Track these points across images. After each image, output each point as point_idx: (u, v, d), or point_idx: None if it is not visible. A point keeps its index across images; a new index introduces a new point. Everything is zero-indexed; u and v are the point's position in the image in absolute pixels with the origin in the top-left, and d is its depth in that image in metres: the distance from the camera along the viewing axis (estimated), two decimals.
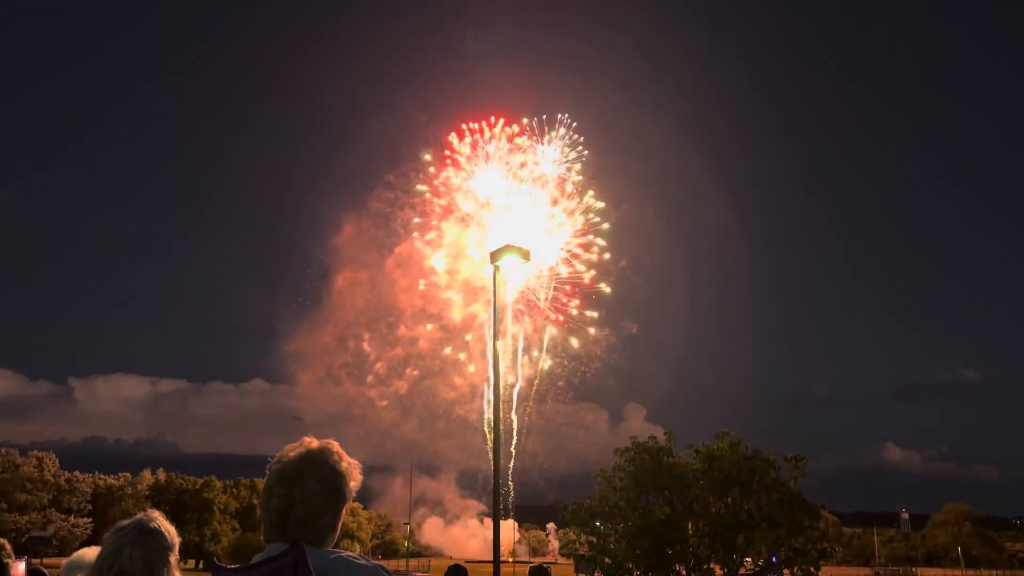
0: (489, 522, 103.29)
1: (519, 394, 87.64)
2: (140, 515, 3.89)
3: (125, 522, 3.85)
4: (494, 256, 20.36)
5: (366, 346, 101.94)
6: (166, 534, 3.85)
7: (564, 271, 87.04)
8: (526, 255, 21.08)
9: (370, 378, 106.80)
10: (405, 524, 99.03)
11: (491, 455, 19.05)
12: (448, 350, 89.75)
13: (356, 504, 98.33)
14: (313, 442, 3.20)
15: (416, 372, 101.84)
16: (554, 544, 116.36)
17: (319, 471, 3.08)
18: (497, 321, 20.82)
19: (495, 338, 20.81)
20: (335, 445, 3.20)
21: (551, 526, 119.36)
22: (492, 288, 20.84)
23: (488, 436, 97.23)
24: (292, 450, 3.19)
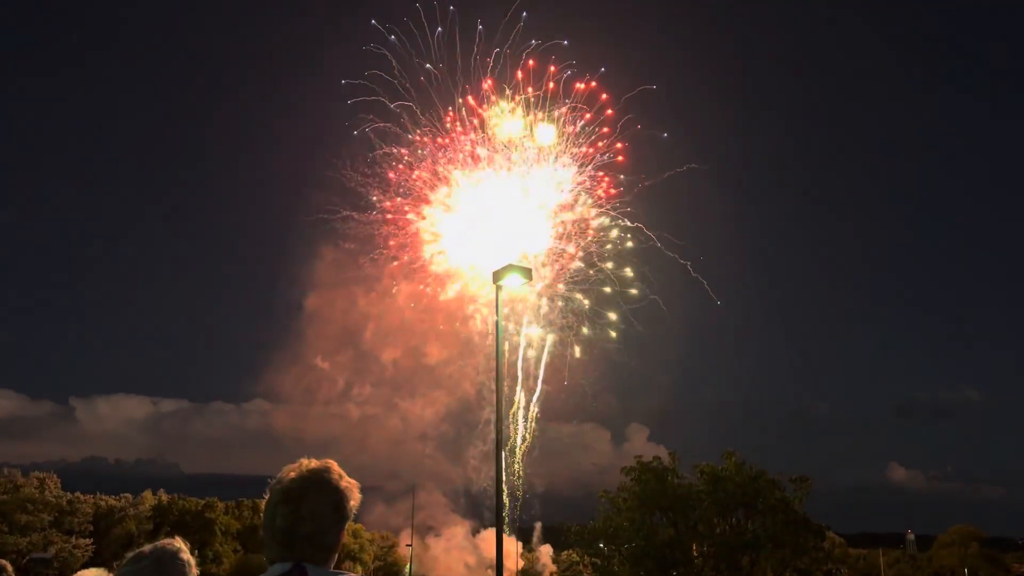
0: (477, 541, 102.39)
1: (515, 413, 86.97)
2: (162, 543, 3.72)
3: (146, 549, 3.68)
4: (496, 275, 20.43)
5: (347, 367, 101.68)
6: (185, 564, 3.69)
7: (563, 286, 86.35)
8: (528, 274, 21.17)
9: (349, 397, 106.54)
10: (407, 546, 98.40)
11: (491, 473, 19.02)
12: (434, 365, 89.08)
13: (358, 525, 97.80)
14: (312, 462, 3.23)
15: (395, 391, 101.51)
16: (545, 555, 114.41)
17: (322, 489, 3.11)
18: (501, 338, 20.81)
19: (499, 354, 20.79)
20: (334, 464, 3.23)
21: (537, 525, 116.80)
22: (495, 305, 20.87)
23: (438, 458, 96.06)
24: (292, 470, 3.21)
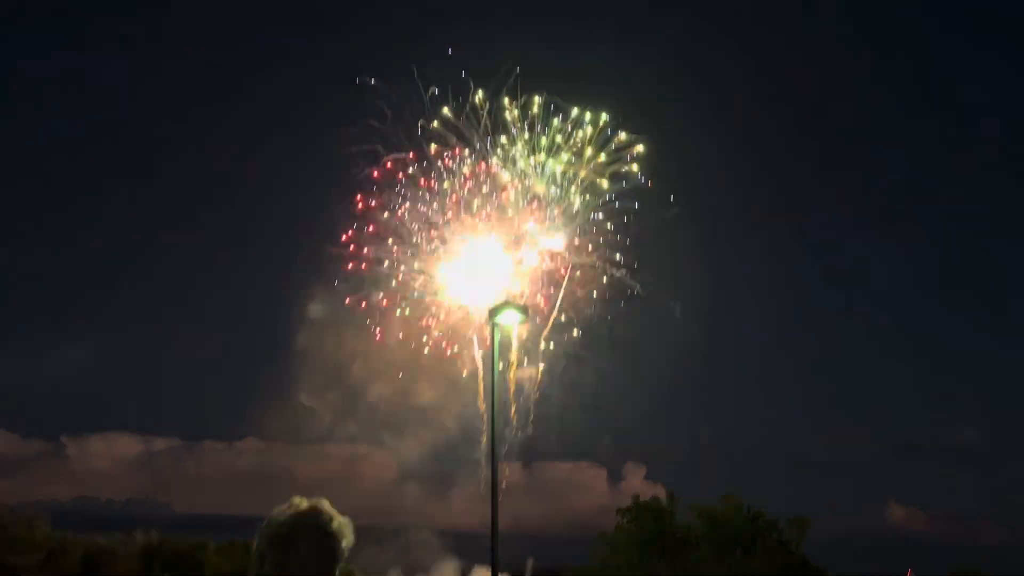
0: None
1: (508, 451, 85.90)
2: None
3: None
4: (492, 312, 20.35)
5: (336, 406, 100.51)
6: None
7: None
8: (524, 311, 21.13)
9: (339, 436, 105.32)
10: None
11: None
12: (423, 404, 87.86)
13: (353, 565, 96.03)
14: (303, 502, 3.17)
15: (384, 429, 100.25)
16: None
17: (311, 534, 3.05)
18: (496, 375, 20.69)
19: (493, 391, 20.67)
20: (326, 504, 3.17)
21: (529, 561, 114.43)
22: (484, 342, 20.79)
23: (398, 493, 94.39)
24: (282, 513, 3.14)
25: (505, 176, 67.57)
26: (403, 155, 69.77)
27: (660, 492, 35.36)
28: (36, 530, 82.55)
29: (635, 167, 65.12)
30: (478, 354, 71.80)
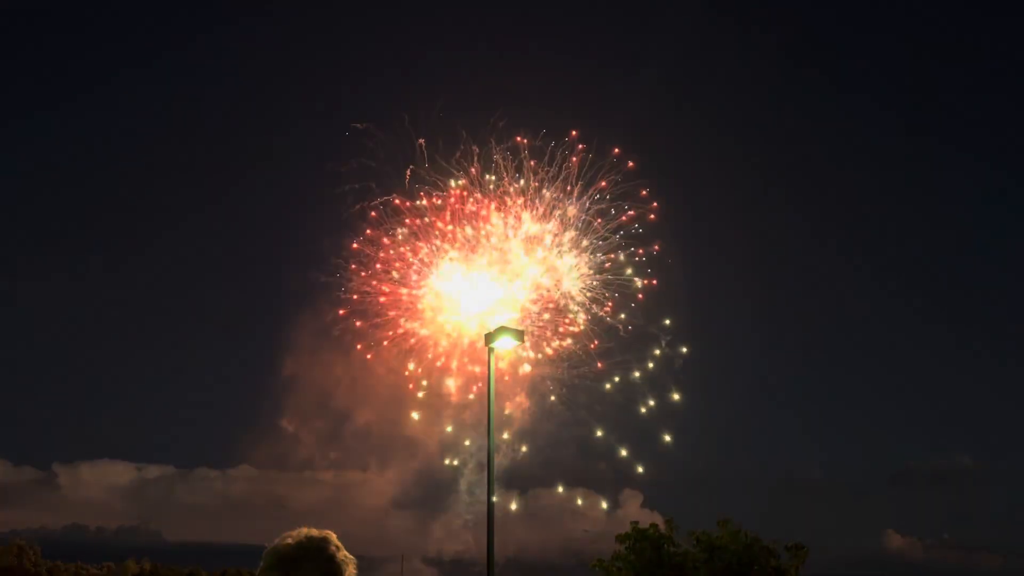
0: None
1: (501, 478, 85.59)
2: None
3: None
4: (488, 337, 20.51)
5: (327, 434, 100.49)
6: None
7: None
8: (520, 336, 21.25)
9: (329, 464, 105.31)
10: None
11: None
12: (413, 432, 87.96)
13: None
14: (311, 531, 3.16)
15: (374, 457, 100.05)
16: None
17: (315, 558, 3.03)
18: (492, 404, 20.68)
19: (490, 422, 20.65)
20: (333, 536, 3.16)
21: None
22: (487, 368, 20.83)
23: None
24: (290, 537, 3.14)
25: (494, 213, 68.38)
26: (392, 194, 70.64)
27: (658, 519, 35.16)
28: (25, 559, 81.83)
29: (653, 215, 65.68)
30: (466, 382, 72.18)
